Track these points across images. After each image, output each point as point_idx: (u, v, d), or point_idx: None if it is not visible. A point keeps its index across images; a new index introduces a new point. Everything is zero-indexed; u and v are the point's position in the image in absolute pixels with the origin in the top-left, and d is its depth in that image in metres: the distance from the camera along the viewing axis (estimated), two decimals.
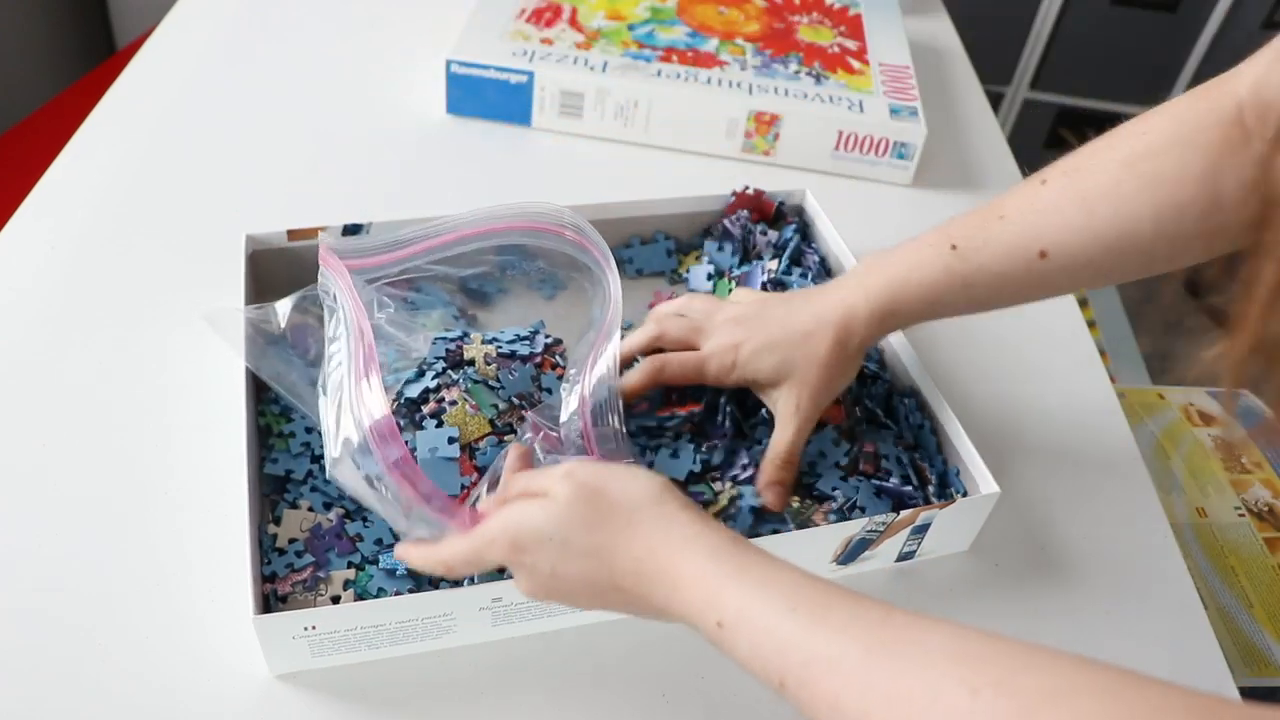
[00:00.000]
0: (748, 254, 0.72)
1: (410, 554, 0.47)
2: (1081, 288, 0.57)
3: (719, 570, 0.41)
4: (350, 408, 0.47)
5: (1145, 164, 0.51)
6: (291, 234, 0.65)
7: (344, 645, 0.48)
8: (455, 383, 0.56)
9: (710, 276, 0.70)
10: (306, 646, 0.48)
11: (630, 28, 0.95)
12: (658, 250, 0.74)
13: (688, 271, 0.73)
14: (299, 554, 0.51)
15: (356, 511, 0.54)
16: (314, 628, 0.47)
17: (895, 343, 0.63)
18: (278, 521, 0.53)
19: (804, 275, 0.69)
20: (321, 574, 0.51)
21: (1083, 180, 0.53)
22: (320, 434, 0.55)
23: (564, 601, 0.45)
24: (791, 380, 0.56)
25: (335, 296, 0.53)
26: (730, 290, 0.68)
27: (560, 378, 0.59)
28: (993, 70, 1.93)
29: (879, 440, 0.60)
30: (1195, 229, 0.51)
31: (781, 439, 0.56)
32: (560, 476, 0.45)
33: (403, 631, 0.49)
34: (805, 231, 0.74)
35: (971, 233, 0.55)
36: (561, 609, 0.51)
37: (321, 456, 0.55)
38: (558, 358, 0.61)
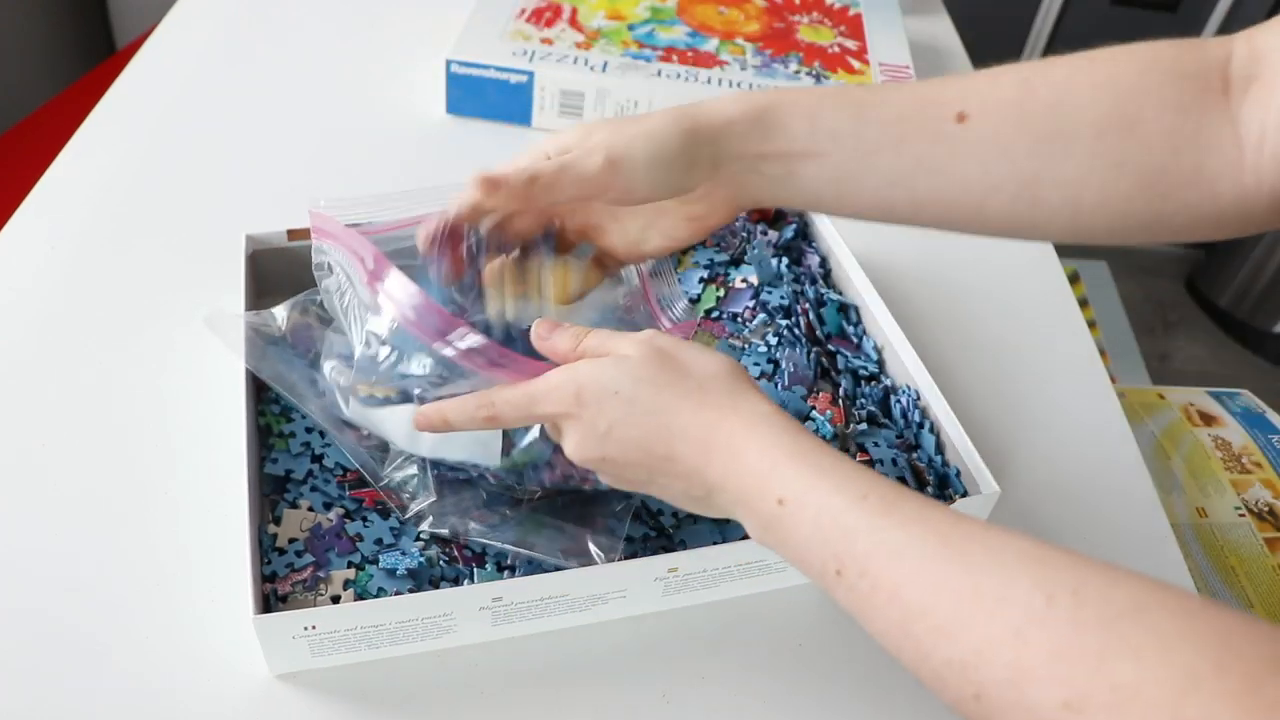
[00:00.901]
0: (737, 259, 0.71)
1: (445, 409, 0.45)
2: (992, 210, 0.45)
3: (787, 449, 0.39)
4: (370, 310, 0.46)
5: (1108, 72, 0.44)
6: (291, 234, 0.65)
7: (344, 645, 0.48)
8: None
9: (702, 280, 0.70)
10: (306, 646, 0.48)
11: (630, 28, 0.95)
12: None
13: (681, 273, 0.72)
14: (299, 554, 0.51)
15: (356, 511, 0.54)
16: (314, 627, 0.47)
17: (895, 342, 0.63)
18: (278, 521, 0.53)
19: (803, 279, 0.69)
20: (322, 574, 0.51)
21: (1033, 66, 0.46)
22: (319, 434, 0.56)
23: (609, 469, 0.43)
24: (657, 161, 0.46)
25: (330, 259, 0.51)
26: (717, 298, 0.68)
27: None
28: None
29: (877, 439, 0.60)
30: (1145, 168, 0.43)
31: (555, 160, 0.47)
32: (635, 340, 0.43)
33: (403, 631, 0.49)
34: (805, 231, 0.74)
35: (888, 83, 0.50)
36: (561, 609, 0.50)
37: (322, 456, 0.55)
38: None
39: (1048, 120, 0.44)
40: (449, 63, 0.87)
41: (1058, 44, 1.97)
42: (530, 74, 0.87)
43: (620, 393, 0.42)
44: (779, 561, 0.51)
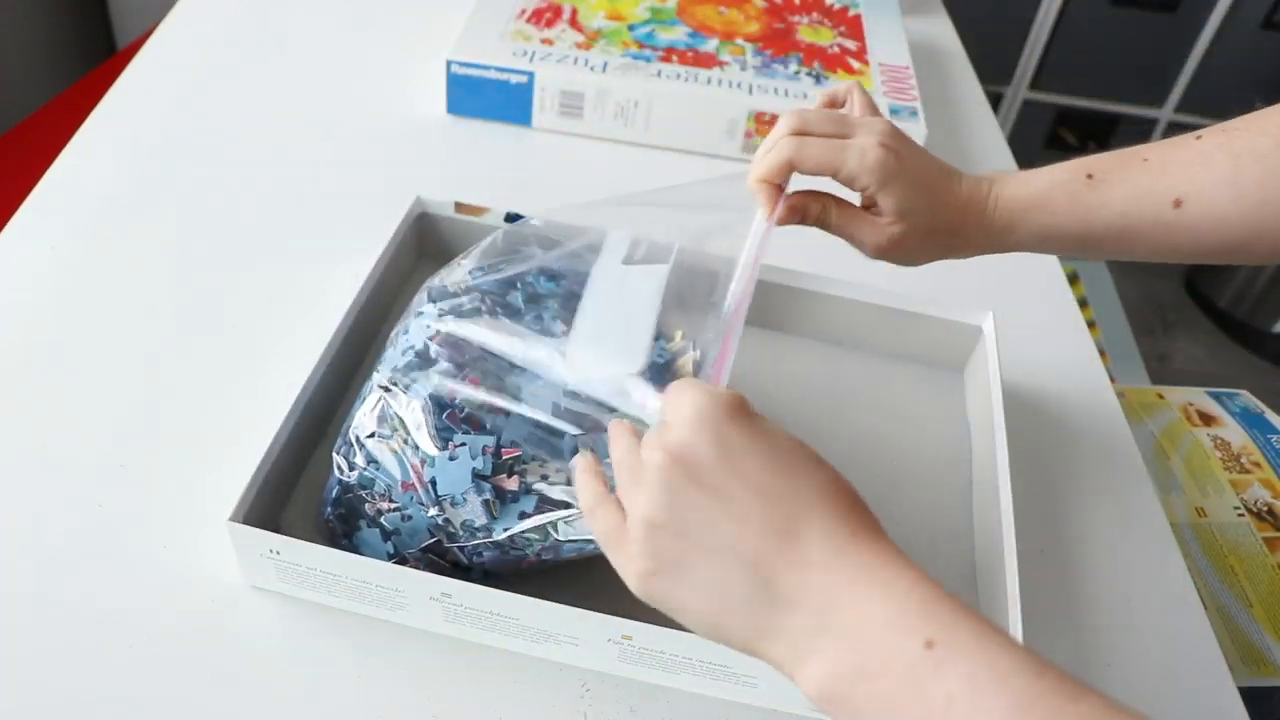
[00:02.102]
0: None
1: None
2: (1202, 256, 0.52)
3: (933, 590, 0.32)
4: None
5: None
6: (459, 206, 0.70)
7: (306, 581, 0.50)
8: None
9: None
10: (273, 568, 0.50)
11: (630, 28, 0.95)
12: None
13: None
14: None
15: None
16: (278, 553, 0.49)
17: None
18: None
19: None
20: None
21: (1239, 138, 0.50)
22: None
23: (687, 496, 0.34)
24: (913, 208, 0.52)
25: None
26: None
27: None
28: (993, 70, 1.93)
29: None
30: None
31: (860, 219, 0.53)
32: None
33: (359, 590, 0.50)
34: None
35: (1109, 166, 0.53)
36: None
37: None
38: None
39: (1258, 192, 0.49)
40: (449, 63, 0.87)
41: (1057, 44, 1.97)
42: (530, 74, 0.87)
43: (763, 429, 0.36)
44: (748, 671, 0.48)
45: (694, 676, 0.50)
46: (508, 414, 0.50)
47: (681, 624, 0.36)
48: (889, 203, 0.52)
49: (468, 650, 0.51)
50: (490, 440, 0.49)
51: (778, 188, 0.53)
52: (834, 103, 0.59)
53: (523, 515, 0.48)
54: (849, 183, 0.52)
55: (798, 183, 0.53)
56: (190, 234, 0.73)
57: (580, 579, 0.53)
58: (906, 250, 0.54)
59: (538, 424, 0.49)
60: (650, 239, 0.56)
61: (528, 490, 0.49)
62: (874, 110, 0.56)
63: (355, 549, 0.51)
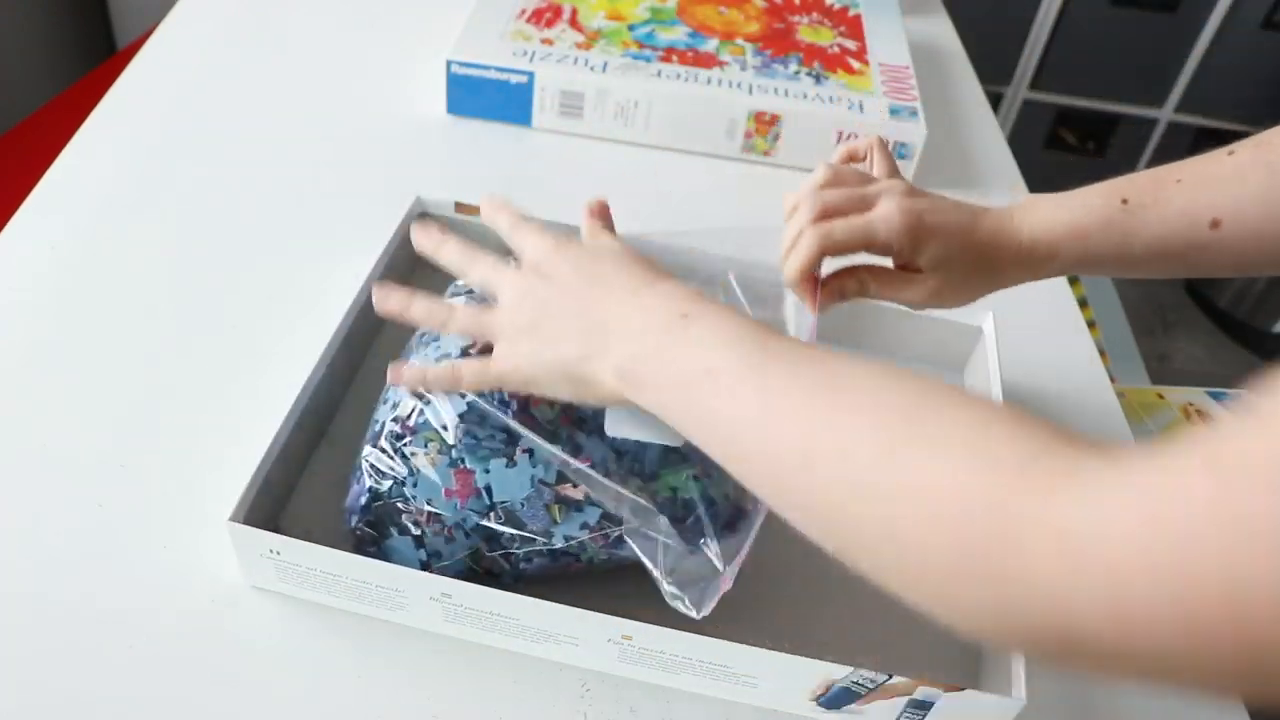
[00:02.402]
0: None
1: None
2: (1245, 270, 0.53)
3: (695, 292, 0.45)
4: None
5: None
6: (459, 206, 0.70)
7: (305, 581, 0.50)
8: None
9: None
10: (273, 569, 0.50)
11: (630, 28, 0.95)
12: None
13: None
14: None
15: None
16: (278, 553, 0.49)
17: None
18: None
19: None
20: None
21: (1273, 152, 0.50)
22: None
23: (534, 275, 0.47)
24: (948, 258, 0.54)
25: None
26: None
27: None
28: (993, 70, 1.93)
29: None
30: None
31: (899, 280, 0.55)
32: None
33: (358, 590, 0.50)
34: None
35: (1143, 190, 0.53)
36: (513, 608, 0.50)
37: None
38: None
39: None
40: (449, 63, 0.87)
41: (1058, 44, 1.97)
42: (530, 74, 0.87)
43: (592, 250, 0.48)
44: (748, 671, 0.49)
45: (694, 676, 0.50)
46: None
47: (536, 376, 0.47)
48: (923, 259, 0.53)
49: (468, 650, 0.51)
50: (555, 449, 0.49)
51: (814, 278, 0.55)
52: (854, 157, 0.60)
53: (584, 526, 0.49)
54: (882, 252, 0.54)
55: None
56: (190, 234, 0.73)
57: (580, 579, 0.53)
58: (950, 296, 0.56)
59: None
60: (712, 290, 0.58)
61: (590, 501, 0.50)
62: (893, 166, 0.58)
63: (385, 557, 0.51)
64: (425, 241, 0.52)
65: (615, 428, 0.51)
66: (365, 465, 0.51)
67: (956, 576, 0.32)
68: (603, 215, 0.53)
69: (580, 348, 0.45)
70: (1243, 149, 0.52)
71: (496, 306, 0.48)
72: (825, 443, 0.36)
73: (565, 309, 0.46)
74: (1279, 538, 0.24)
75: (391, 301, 0.50)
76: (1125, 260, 0.53)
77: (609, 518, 0.50)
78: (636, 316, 0.44)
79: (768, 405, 0.39)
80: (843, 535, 0.36)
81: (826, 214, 0.53)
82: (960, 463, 0.33)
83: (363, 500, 0.51)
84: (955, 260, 0.54)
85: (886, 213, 0.53)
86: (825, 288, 0.56)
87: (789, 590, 0.55)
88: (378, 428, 0.52)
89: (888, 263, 0.56)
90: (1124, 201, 0.53)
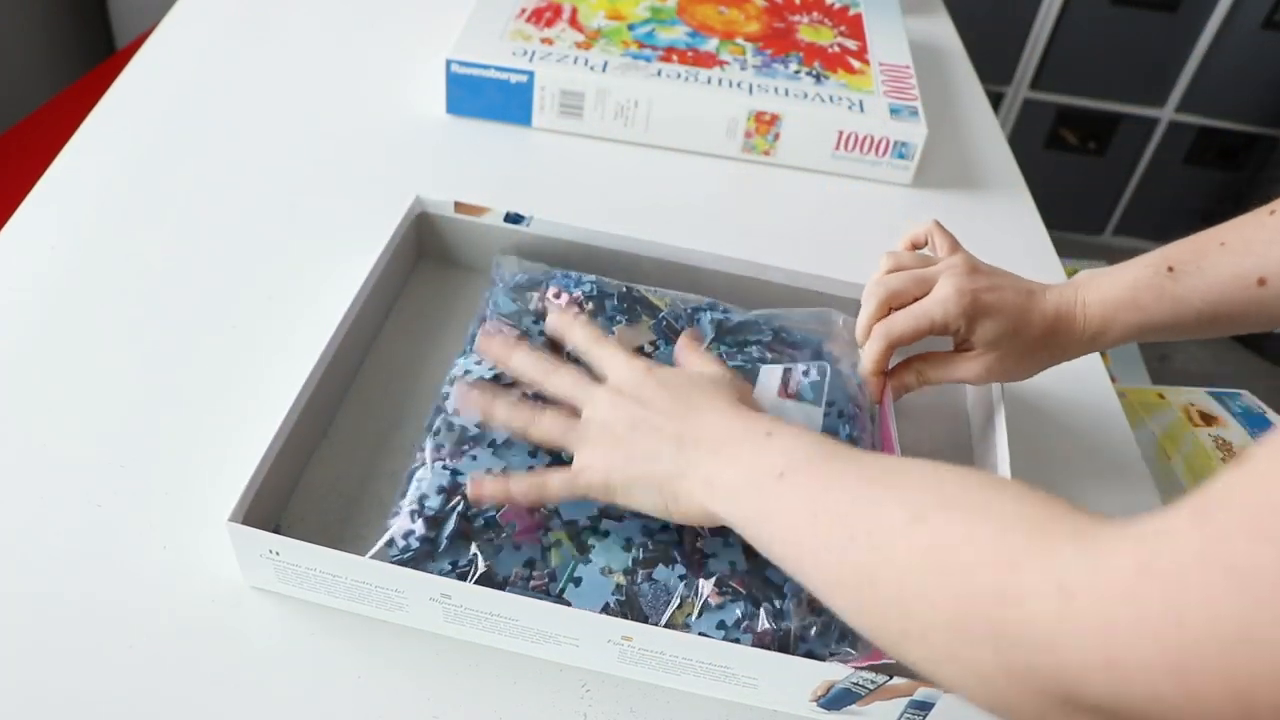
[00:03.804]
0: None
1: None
2: None
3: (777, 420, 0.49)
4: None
5: None
6: (458, 206, 0.70)
7: (305, 581, 0.50)
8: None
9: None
10: (273, 569, 0.50)
11: (630, 27, 0.95)
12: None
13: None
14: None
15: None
16: (277, 553, 0.49)
17: None
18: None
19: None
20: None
21: None
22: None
23: (621, 399, 0.50)
24: (1004, 336, 0.57)
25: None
26: None
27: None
28: (993, 70, 1.93)
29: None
30: None
31: (955, 361, 0.58)
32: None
33: (358, 591, 0.50)
34: None
35: (1188, 257, 0.55)
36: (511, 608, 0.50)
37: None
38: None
39: None
40: (449, 63, 0.87)
41: (1058, 44, 1.97)
42: (530, 74, 0.87)
43: (691, 376, 0.52)
44: (748, 672, 0.49)
45: (694, 677, 0.50)
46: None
47: (626, 488, 0.49)
48: (977, 337, 0.57)
49: (468, 650, 0.51)
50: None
51: (883, 375, 0.60)
52: (915, 244, 0.63)
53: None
54: (940, 333, 0.58)
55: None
56: (190, 233, 0.73)
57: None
58: (1007, 371, 0.59)
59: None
60: (799, 373, 0.59)
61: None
62: (954, 243, 0.61)
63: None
64: (495, 350, 0.55)
65: None
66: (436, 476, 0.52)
67: (961, 636, 0.33)
68: (696, 340, 0.58)
69: (674, 464, 0.47)
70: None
71: (583, 418, 0.51)
72: (865, 518, 0.39)
73: (659, 428, 0.48)
74: (1265, 585, 0.24)
75: (472, 400, 0.53)
76: (1179, 326, 0.56)
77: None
78: (726, 436, 0.47)
79: (824, 494, 0.41)
80: (873, 609, 0.38)
81: (889, 303, 0.58)
82: (976, 527, 0.35)
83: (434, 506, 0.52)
84: (1009, 336, 0.57)
85: (944, 295, 0.56)
86: (891, 385, 0.60)
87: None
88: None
89: (948, 343, 0.60)
90: (1170, 270, 0.55)
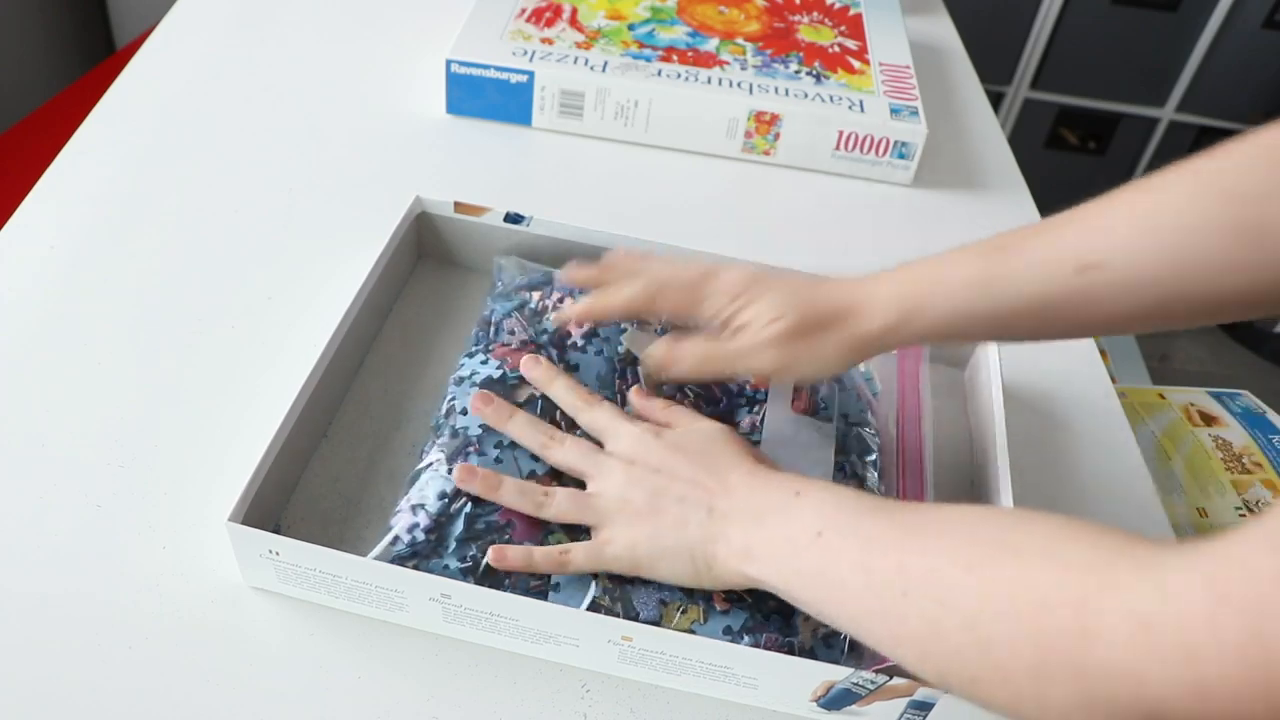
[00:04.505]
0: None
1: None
2: (1136, 324, 0.49)
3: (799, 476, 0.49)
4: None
5: (1222, 178, 0.45)
6: (458, 206, 0.70)
7: (305, 582, 0.50)
8: None
9: None
10: (273, 569, 0.50)
11: (630, 27, 0.95)
12: None
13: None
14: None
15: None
16: (277, 553, 0.49)
17: None
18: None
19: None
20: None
21: (1147, 194, 0.47)
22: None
23: (641, 472, 0.50)
24: (786, 308, 0.53)
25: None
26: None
27: None
28: (993, 70, 1.93)
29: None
30: (1277, 259, 0.43)
31: (726, 344, 0.54)
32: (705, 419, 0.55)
33: (359, 591, 0.50)
34: None
35: (1014, 239, 0.50)
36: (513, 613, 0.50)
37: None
38: None
39: (1173, 251, 0.45)
40: (449, 63, 0.87)
41: (1058, 44, 1.97)
42: (530, 74, 0.87)
43: (707, 433, 0.52)
44: (748, 672, 0.49)
45: (694, 677, 0.50)
46: None
47: (654, 558, 0.49)
48: (759, 311, 0.53)
49: (468, 650, 0.51)
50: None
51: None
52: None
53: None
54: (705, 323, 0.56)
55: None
56: (189, 233, 0.73)
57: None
58: (798, 358, 0.53)
59: None
60: (808, 387, 0.59)
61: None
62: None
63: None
64: (489, 416, 0.54)
65: None
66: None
67: (1043, 676, 0.33)
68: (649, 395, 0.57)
69: (704, 532, 0.48)
70: (1119, 192, 0.48)
71: (599, 490, 0.51)
72: (917, 570, 0.39)
73: (684, 497, 0.49)
74: None
75: (477, 484, 0.51)
76: (997, 319, 0.50)
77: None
78: (756, 499, 0.48)
79: (868, 550, 0.42)
80: (940, 657, 0.38)
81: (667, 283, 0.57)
82: (1038, 571, 0.35)
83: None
84: (794, 309, 0.52)
85: (724, 286, 0.55)
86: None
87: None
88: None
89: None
90: (988, 253, 0.50)
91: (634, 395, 0.57)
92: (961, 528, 0.40)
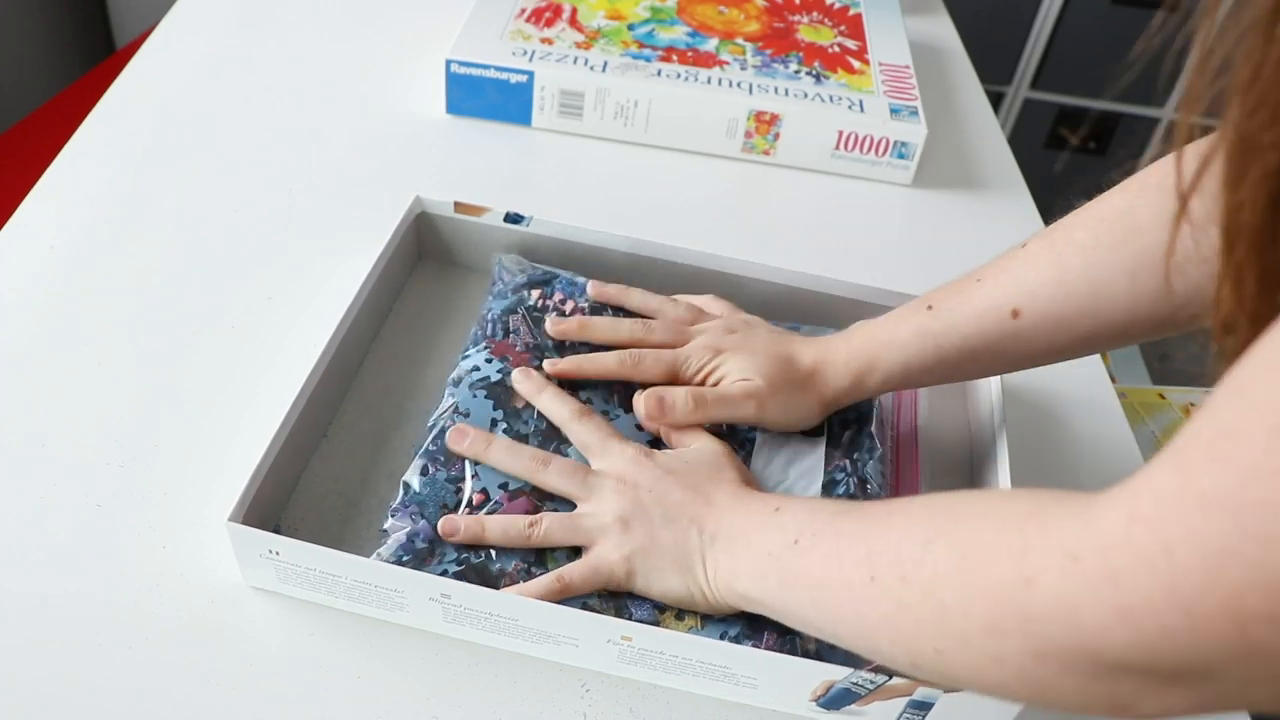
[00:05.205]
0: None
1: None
2: (1062, 356, 0.55)
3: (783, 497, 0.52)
4: None
5: (1123, 218, 0.50)
6: (458, 206, 0.70)
7: (305, 582, 0.50)
8: None
9: None
10: (273, 569, 0.50)
11: (630, 27, 0.95)
12: None
13: None
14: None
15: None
16: (277, 553, 0.49)
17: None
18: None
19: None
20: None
21: (1059, 237, 0.53)
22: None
23: (634, 516, 0.51)
24: (766, 367, 0.58)
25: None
26: None
27: None
28: (993, 70, 1.93)
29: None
30: (1180, 288, 0.48)
31: (717, 392, 0.57)
32: (705, 435, 0.57)
33: (359, 591, 0.50)
34: None
35: (947, 295, 0.56)
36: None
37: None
38: None
39: (1086, 286, 0.51)
40: (449, 63, 0.87)
41: (1058, 44, 1.97)
42: (530, 74, 0.87)
43: (699, 454, 0.54)
44: (748, 672, 0.49)
45: (694, 677, 0.50)
46: None
47: (645, 580, 0.50)
48: (738, 366, 0.58)
49: (468, 650, 0.51)
50: None
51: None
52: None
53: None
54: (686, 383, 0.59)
55: None
56: (189, 233, 0.73)
57: None
58: (780, 412, 0.58)
59: None
60: None
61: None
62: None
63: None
64: (466, 448, 0.54)
65: None
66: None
67: (995, 631, 0.35)
68: (666, 406, 0.57)
69: (696, 552, 0.50)
70: (1033, 240, 0.54)
71: (589, 510, 0.52)
72: (883, 553, 0.41)
73: (674, 519, 0.51)
74: (1232, 505, 0.26)
75: (461, 534, 0.52)
76: (943, 364, 0.56)
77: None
78: (739, 520, 0.50)
79: (839, 544, 0.44)
80: (909, 636, 0.39)
81: (648, 339, 0.61)
82: (984, 531, 0.37)
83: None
84: (773, 368, 0.58)
85: (701, 347, 0.60)
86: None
87: None
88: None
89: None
90: (929, 308, 0.56)
91: (639, 403, 0.58)
92: (920, 508, 0.42)
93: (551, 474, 0.53)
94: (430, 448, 0.55)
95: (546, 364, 0.59)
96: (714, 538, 0.49)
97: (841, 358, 0.58)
